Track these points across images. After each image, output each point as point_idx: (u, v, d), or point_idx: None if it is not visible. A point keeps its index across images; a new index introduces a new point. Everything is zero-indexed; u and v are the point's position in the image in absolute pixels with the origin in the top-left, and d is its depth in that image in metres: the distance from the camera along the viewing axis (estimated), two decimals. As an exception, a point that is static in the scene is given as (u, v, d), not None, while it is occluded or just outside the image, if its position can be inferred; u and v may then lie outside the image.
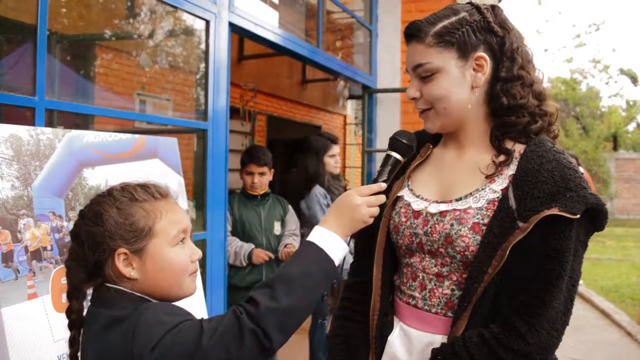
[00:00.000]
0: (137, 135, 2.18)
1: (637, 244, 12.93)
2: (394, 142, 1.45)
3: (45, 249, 1.71)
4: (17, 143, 1.71)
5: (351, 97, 12.71)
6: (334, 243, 1.27)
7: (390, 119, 5.52)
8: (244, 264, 3.71)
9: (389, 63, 5.57)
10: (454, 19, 1.37)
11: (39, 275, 1.68)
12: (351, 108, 14.62)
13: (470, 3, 1.42)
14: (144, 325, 1.10)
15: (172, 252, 1.24)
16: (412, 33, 1.40)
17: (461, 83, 1.38)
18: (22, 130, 1.74)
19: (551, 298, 1.24)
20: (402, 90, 5.42)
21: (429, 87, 1.39)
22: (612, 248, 12.13)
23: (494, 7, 1.41)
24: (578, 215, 1.22)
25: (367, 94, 5.54)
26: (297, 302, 1.16)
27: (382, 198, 1.37)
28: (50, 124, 2.44)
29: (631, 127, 24.02)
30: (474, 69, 1.38)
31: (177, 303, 1.28)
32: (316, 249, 1.25)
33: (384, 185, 1.38)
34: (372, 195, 1.36)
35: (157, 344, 1.07)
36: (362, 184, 5.59)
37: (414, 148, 1.48)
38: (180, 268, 1.25)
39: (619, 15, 44.50)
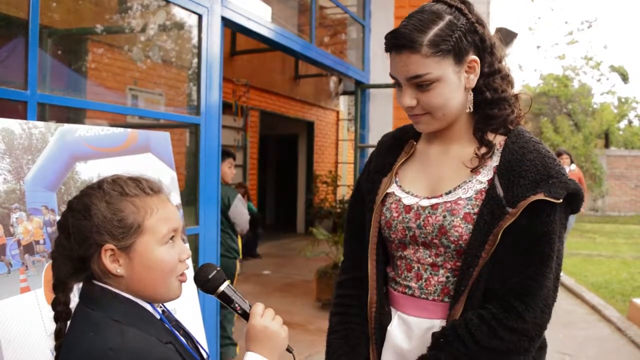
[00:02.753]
0: (129, 130, 2.18)
1: (628, 241, 13.00)
2: (208, 286, 1.33)
3: (37, 242, 1.71)
4: (9, 137, 1.70)
5: (344, 92, 12.72)
6: None
7: (383, 114, 5.54)
8: None
9: (382, 58, 5.57)
10: (442, 24, 1.35)
11: (31, 269, 1.68)
12: (344, 104, 14.63)
13: (445, 3, 1.40)
14: None
15: (161, 250, 1.20)
16: (403, 43, 1.35)
17: (458, 88, 1.40)
18: (14, 124, 1.73)
19: (543, 278, 1.32)
20: (395, 85, 5.43)
21: (428, 96, 1.38)
22: (602, 244, 12.18)
23: (467, 4, 1.42)
24: (561, 200, 1.31)
25: (360, 90, 5.55)
26: None
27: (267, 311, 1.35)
28: (42, 118, 2.44)
29: (623, 124, 24.14)
30: (466, 71, 1.40)
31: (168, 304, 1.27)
32: None
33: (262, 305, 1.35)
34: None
35: None
36: (355, 181, 5.60)
37: (217, 270, 1.35)
38: (169, 267, 1.22)
39: (611, 12, 44.63)
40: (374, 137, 5.57)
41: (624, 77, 23.79)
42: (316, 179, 13.22)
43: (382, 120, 5.53)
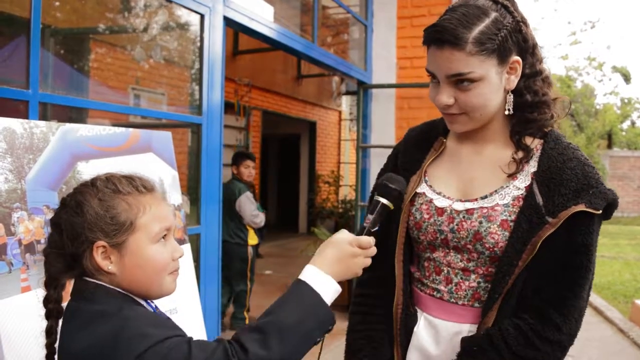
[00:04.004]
0: (131, 129, 2.17)
1: (630, 242, 12.98)
2: (386, 189, 1.37)
3: (38, 242, 1.70)
4: (10, 136, 1.70)
5: (347, 92, 12.71)
6: (329, 287, 1.21)
7: (385, 114, 5.53)
8: None
9: (384, 58, 5.56)
10: (488, 21, 1.28)
11: (32, 268, 1.67)
12: (346, 104, 14.62)
13: None
14: (127, 336, 1.05)
15: (153, 249, 1.20)
16: (446, 38, 1.28)
17: (499, 88, 1.35)
18: (15, 124, 1.73)
19: (581, 289, 1.31)
20: (397, 85, 5.43)
21: (468, 96, 1.32)
22: (605, 246, 12.16)
23: (511, 1, 1.36)
24: (601, 211, 1.29)
25: (362, 90, 5.54)
26: (289, 351, 1.11)
27: (374, 250, 1.32)
28: (44, 117, 2.43)
29: (625, 125, 24.12)
30: (507, 72, 1.35)
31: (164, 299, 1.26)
32: (312, 293, 1.19)
33: (374, 240, 1.33)
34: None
35: (138, 358, 1.02)
36: (357, 181, 5.61)
37: (404, 195, 1.42)
38: (161, 266, 1.21)
39: (614, 12, 44.62)
40: (376, 137, 5.56)
41: (627, 78, 23.77)
42: (318, 179, 13.22)
43: (385, 120, 5.52)
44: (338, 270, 1.25)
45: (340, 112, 14.62)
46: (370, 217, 1.35)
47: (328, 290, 1.21)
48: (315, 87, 12.70)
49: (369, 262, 1.30)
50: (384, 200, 1.36)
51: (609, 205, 1.33)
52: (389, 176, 1.41)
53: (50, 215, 1.77)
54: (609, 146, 21.50)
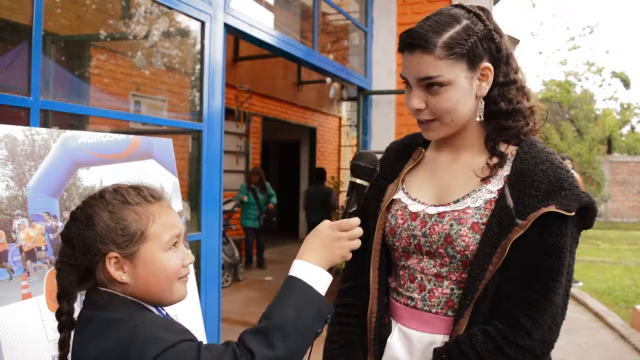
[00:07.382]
0: (131, 136, 2.18)
1: (631, 247, 12.97)
2: (356, 168, 1.41)
3: (39, 249, 1.70)
4: (11, 143, 1.71)
5: (348, 98, 12.75)
6: (320, 277, 1.25)
7: (385, 120, 5.54)
8: None
9: (384, 65, 5.58)
10: (459, 28, 1.33)
11: (33, 276, 1.68)
12: (346, 110, 14.65)
13: (464, 7, 1.39)
14: (140, 339, 1.07)
15: (165, 256, 1.22)
16: (417, 43, 1.33)
17: (469, 94, 1.37)
18: (16, 131, 1.74)
19: (552, 293, 1.27)
20: (397, 92, 5.44)
21: (438, 100, 1.36)
22: (605, 251, 12.16)
23: (485, 12, 1.41)
24: (573, 213, 1.27)
25: (362, 96, 5.55)
26: (293, 347, 1.14)
27: (360, 231, 1.34)
28: (45, 124, 2.44)
29: (625, 130, 24.12)
30: (478, 79, 1.38)
31: (171, 307, 1.27)
32: (304, 287, 1.22)
33: (358, 220, 1.34)
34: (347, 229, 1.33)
35: None
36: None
37: (377, 169, 1.42)
38: (173, 273, 1.23)
39: (613, 17, 44.72)
40: (376, 144, 5.56)
41: (626, 83, 23.79)
42: (318, 185, 13.22)
43: (384, 126, 5.53)
44: (325, 257, 1.28)
45: (340, 118, 14.64)
46: (352, 201, 1.39)
47: (320, 280, 1.25)
48: (316, 93, 12.73)
49: (356, 244, 1.33)
50: (358, 180, 1.40)
51: (587, 211, 1.31)
52: (358, 154, 1.43)
53: (51, 222, 1.78)
54: (609, 151, 21.50)
